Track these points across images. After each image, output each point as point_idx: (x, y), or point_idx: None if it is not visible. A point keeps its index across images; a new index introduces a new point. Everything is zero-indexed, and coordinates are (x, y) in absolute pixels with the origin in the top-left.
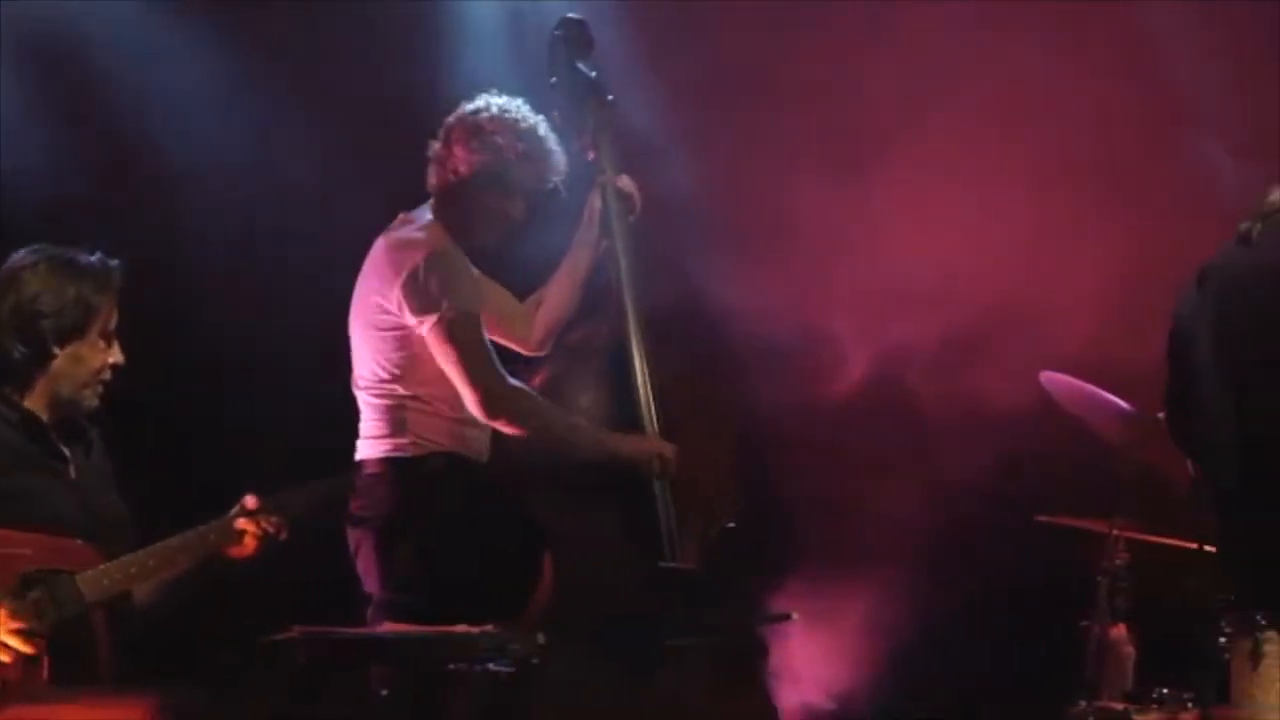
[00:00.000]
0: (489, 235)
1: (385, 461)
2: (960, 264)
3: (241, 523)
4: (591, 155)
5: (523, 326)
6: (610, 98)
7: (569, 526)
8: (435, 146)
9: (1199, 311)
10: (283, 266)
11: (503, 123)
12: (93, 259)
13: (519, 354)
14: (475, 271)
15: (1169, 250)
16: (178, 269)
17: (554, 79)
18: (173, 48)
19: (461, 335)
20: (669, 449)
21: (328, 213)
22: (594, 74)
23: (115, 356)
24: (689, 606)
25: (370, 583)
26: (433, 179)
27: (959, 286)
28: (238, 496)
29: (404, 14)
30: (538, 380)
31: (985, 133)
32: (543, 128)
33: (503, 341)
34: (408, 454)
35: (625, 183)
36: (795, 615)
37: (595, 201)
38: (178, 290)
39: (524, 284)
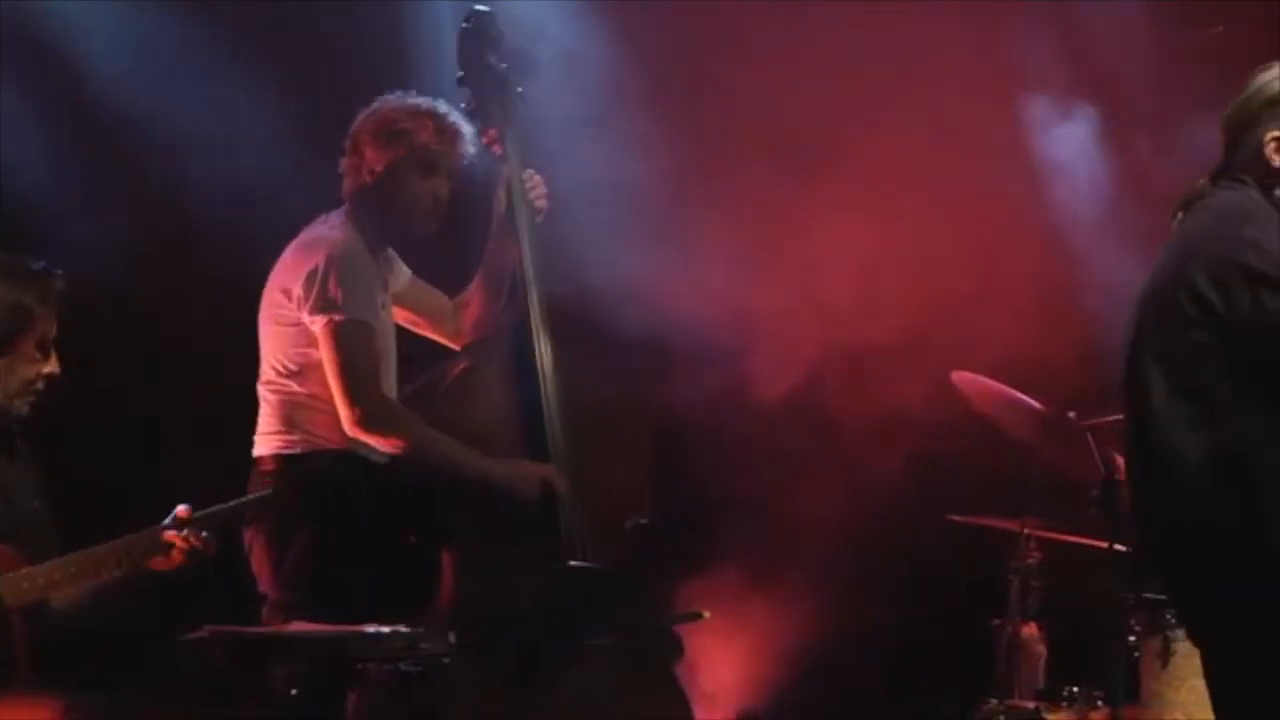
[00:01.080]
0: (424, 222)
1: (277, 459)
2: (877, 267)
3: (170, 535)
4: (498, 150)
5: (452, 324)
6: (520, 90)
7: (473, 525)
8: (344, 160)
9: (1129, 318)
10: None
11: (404, 109)
12: (37, 267)
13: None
14: (407, 276)
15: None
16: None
17: (461, 73)
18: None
19: (346, 343)
20: (552, 473)
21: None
22: (504, 66)
23: (51, 367)
24: (598, 605)
25: (263, 582)
26: (349, 187)
27: (876, 289)
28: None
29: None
30: (448, 377)
31: (908, 142)
32: (443, 105)
33: (435, 339)
34: (298, 451)
35: (531, 178)
36: (707, 614)
37: (501, 197)
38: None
39: (460, 284)
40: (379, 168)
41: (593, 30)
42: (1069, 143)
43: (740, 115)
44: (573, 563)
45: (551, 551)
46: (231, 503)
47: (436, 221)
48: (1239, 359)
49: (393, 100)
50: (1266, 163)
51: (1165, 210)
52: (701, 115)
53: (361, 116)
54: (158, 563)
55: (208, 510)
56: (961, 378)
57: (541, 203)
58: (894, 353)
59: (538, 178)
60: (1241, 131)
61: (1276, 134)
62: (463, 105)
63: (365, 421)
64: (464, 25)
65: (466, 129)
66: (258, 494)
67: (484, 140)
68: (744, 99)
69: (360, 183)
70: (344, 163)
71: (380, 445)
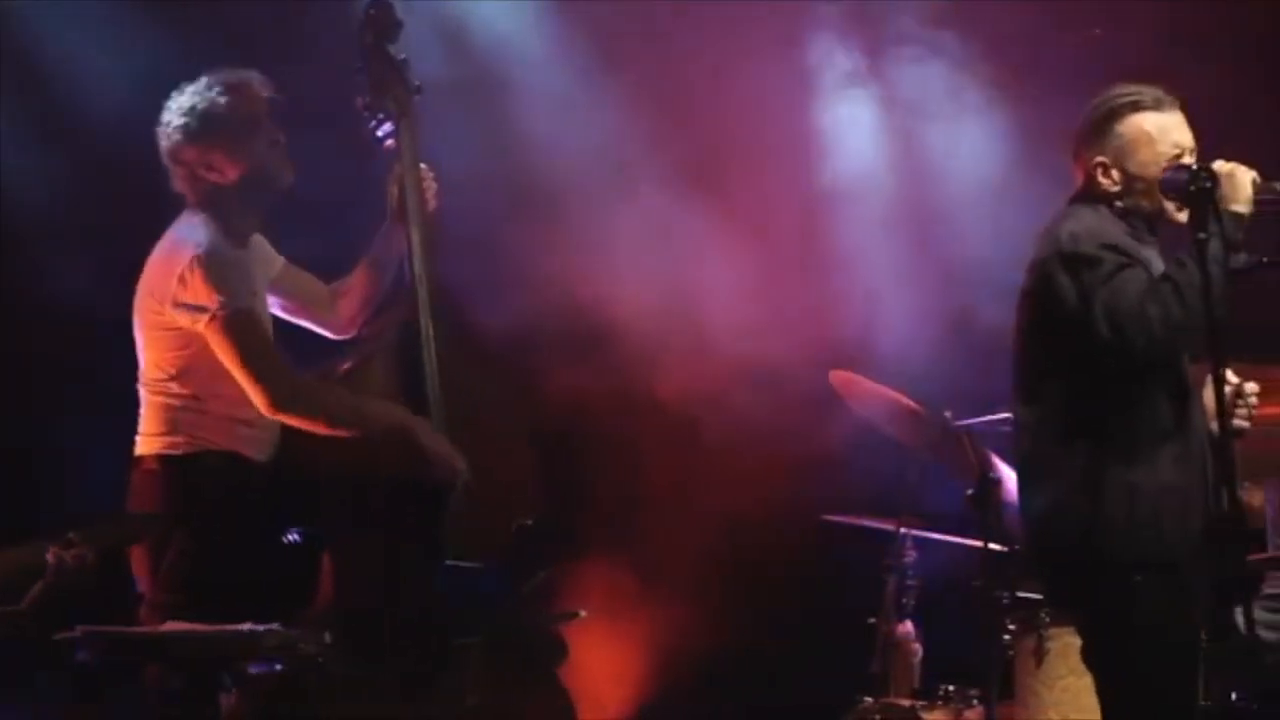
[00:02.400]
0: (286, 174)
1: (159, 459)
2: (756, 270)
3: (53, 551)
4: (391, 143)
5: (326, 310)
6: (417, 84)
7: (352, 525)
8: (173, 179)
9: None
10: None
11: (187, 101)
12: None
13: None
14: (279, 262)
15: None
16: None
17: (360, 64)
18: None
19: (238, 332)
20: (463, 462)
21: None
22: (401, 59)
23: None
24: (477, 604)
25: (143, 582)
26: (191, 195)
27: (756, 291)
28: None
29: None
30: (333, 375)
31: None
32: (211, 75)
33: (309, 325)
34: (181, 452)
35: (424, 174)
36: (584, 613)
37: (394, 190)
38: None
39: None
40: (220, 162)
41: (502, 33)
42: (945, 145)
43: (635, 123)
44: (452, 562)
45: (431, 551)
46: (112, 519)
47: (289, 169)
48: (1080, 354)
49: (172, 100)
50: (1098, 186)
51: (1041, 212)
52: (597, 120)
53: (163, 136)
54: (43, 578)
55: (94, 529)
56: (839, 378)
57: (433, 199)
58: (770, 353)
59: (430, 173)
60: (1079, 159)
61: (1099, 159)
62: (359, 99)
63: (279, 401)
64: (366, 14)
65: (249, 74)
66: (146, 515)
67: (379, 133)
68: (639, 110)
69: (203, 188)
70: (173, 181)
71: (300, 423)
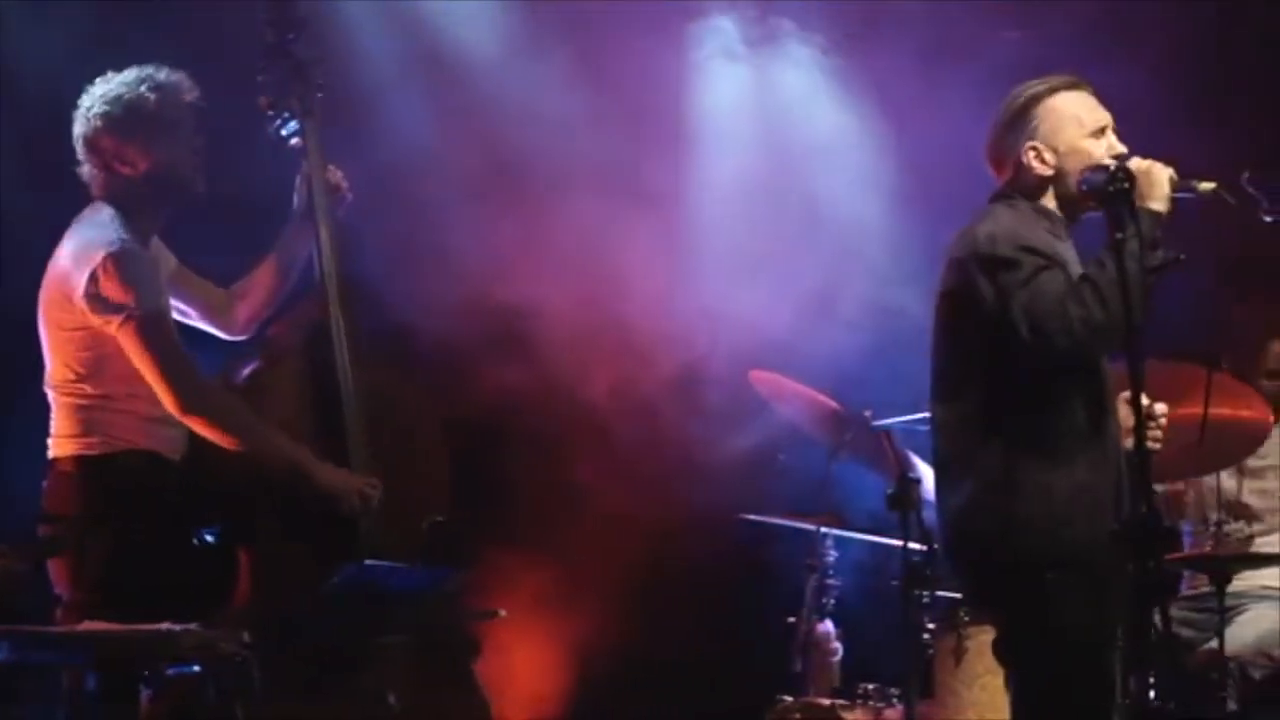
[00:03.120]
0: (196, 180)
1: (76, 460)
2: (672, 269)
3: None
4: (297, 142)
5: (224, 312)
6: (320, 84)
7: (269, 524)
8: (85, 169)
9: None
10: None
11: (113, 91)
12: None
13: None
14: (173, 263)
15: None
16: None
17: (263, 64)
18: None
19: (151, 334)
20: (371, 486)
21: None
22: (305, 59)
23: None
24: (394, 603)
25: (60, 583)
26: (98, 187)
27: (674, 290)
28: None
29: None
30: (242, 374)
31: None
32: (145, 70)
33: (206, 327)
34: (97, 453)
35: (332, 173)
36: (503, 612)
37: (301, 191)
38: None
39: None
40: (132, 155)
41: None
42: (867, 147)
43: (554, 120)
44: (369, 561)
45: (348, 550)
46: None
47: (202, 178)
48: (998, 354)
49: (97, 87)
50: (1031, 173)
51: (957, 215)
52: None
53: (81, 121)
54: None
55: (24, 542)
56: (760, 377)
57: (347, 196)
58: (691, 352)
59: (339, 173)
60: (1004, 155)
61: (1030, 144)
62: (263, 98)
63: (189, 406)
64: (268, 16)
65: (179, 78)
66: (72, 519)
67: (284, 134)
68: (559, 107)
69: (112, 180)
70: (83, 168)
71: (207, 432)
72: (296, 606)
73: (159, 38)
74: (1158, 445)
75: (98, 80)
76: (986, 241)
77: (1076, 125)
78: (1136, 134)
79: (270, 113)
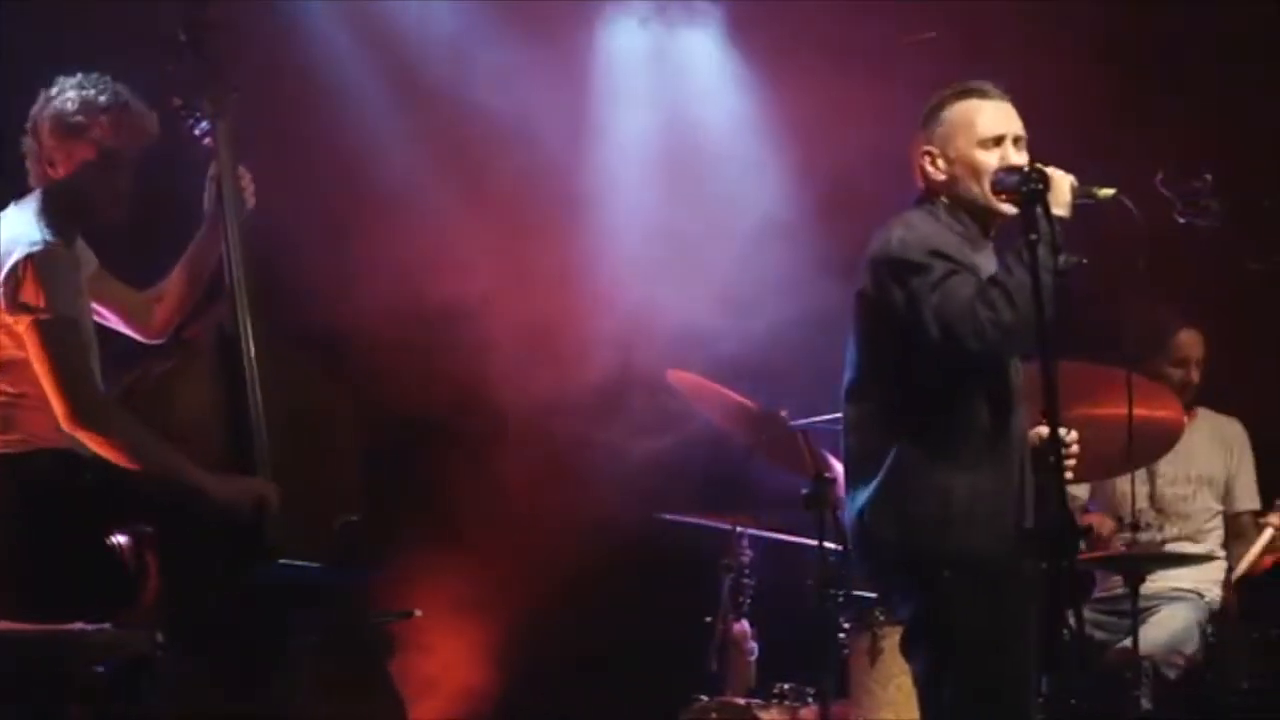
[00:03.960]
0: (109, 215)
1: None
2: (589, 269)
3: None
4: (209, 143)
5: (142, 316)
6: (233, 83)
7: (182, 524)
8: (28, 142)
9: None
10: None
11: (83, 102)
12: None
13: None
14: (94, 265)
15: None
16: None
17: (175, 62)
18: None
19: (56, 341)
20: (271, 491)
21: None
22: (218, 59)
23: None
24: (307, 604)
25: None
26: (33, 176)
27: (591, 287)
28: None
29: None
30: (154, 373)
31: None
32: (123, 93)
33: (125, 330)
34: (16, 451)
35: (243, 175)
36: (418, 612)
37: (211, 192)
38: None
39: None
40: (59, 159)
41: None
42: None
43: (476, 124)
44: (281, 561)
45: (258, 550)
46: None
47: (121, 211)
48: (906, 357)
49: (72, 87)
50: (928, 178)
51: (878, 212)
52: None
53: (41, 102)
54: None
55: None
56: (677, 376)
57: (251, 200)
58: (608, 352)
59: (248, 175)
60: (911, 159)
61: (926, 149)
62: (176, 100)
63: (80, 418)
64: (183, 14)
65: (147, 117)
66: None
67: (195, 133)
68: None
69: (44, 174)
70: (26, 144)
71: (95, 446)
72: (208, 606)
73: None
74: (1070, 475)
75: (82, 75)
76: (898, 245)
77: (968, 134)
78: (1060, 134)
79: (182, 112)
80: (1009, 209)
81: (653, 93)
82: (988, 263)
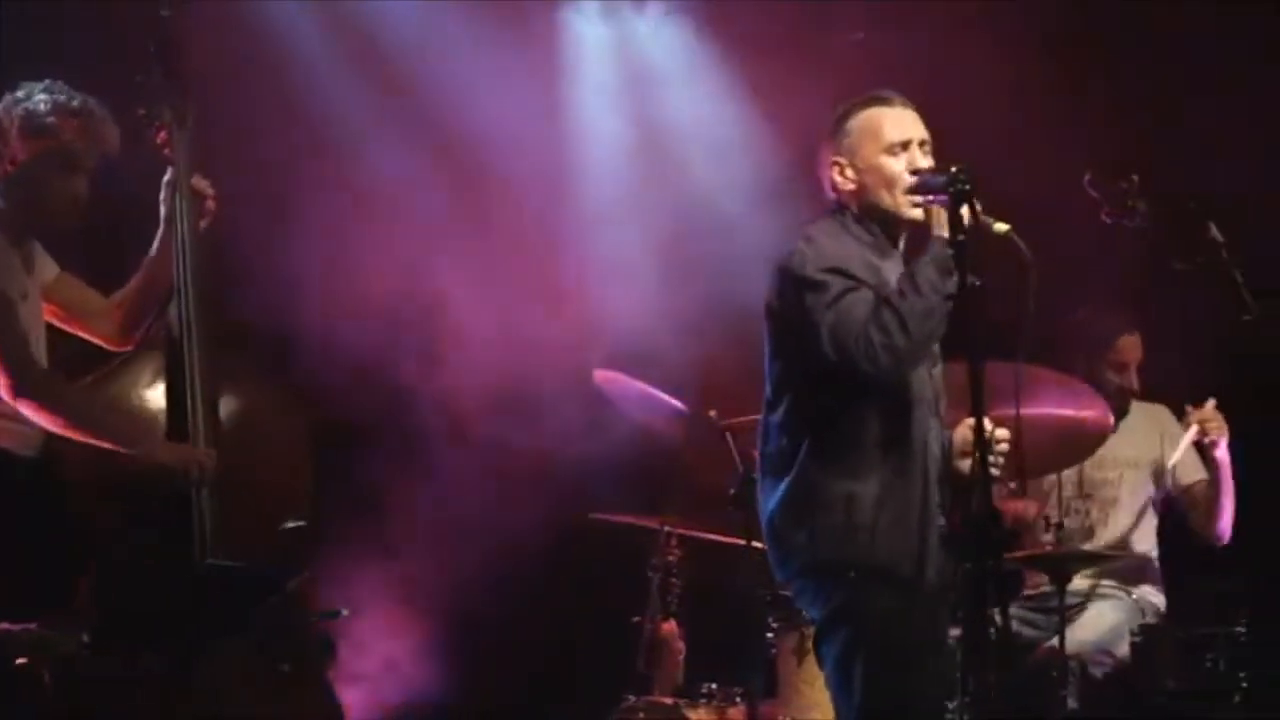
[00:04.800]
0: (63, 219)
1: None
2: (525, 268)
3: None
4: (168, 152)
5: (104, 322)
6: (193, 92)
7: (111, 523)
8: None
9: None
10: None
11: (55, 105)
12: None
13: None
14: (54, 271)
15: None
16: None
17: (143, 72)
18: None
19: None
20: (208, 457)
21: None
22: (180, 68)
23: None
24: (238, 604)
25: None
26: None
27: (522, 287)
28: None
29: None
30: (99, 372)
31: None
32: (91, 102)
33: (85, 336)
34: None
35: (199, 182)
36: (345, 612)
37: (166, 197)
38: None
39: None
40: (22, 158)
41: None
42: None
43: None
44: (211, 561)
45: (192, 550)
46: None
47: (76, 218)
48: (806, 370)
49: (40, 90)
50: (837, 188)
51: (807, 213)
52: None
53: (8, 103)
54: None
55: None
56: (604, 376)
57: (210, 204)
58: (537, 352)
59: (205, 181)
60: (821, 170)
61: (834, 159)
62: (140, 110)
63: (23, 389)
64: (156, 29)
65: (112, 129)
66: None
67: (157, 140)
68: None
69: (5, 172)
70: None
71: (39, 417)
72: (138, 606)
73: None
74: (996, 472)
75: (52, 81)
76: (798, 261)
77: (874, 141)
78: (990, 133)
79: (145, 120)
80: (917, 214)
81: (589, 90)
82: (895, 272)
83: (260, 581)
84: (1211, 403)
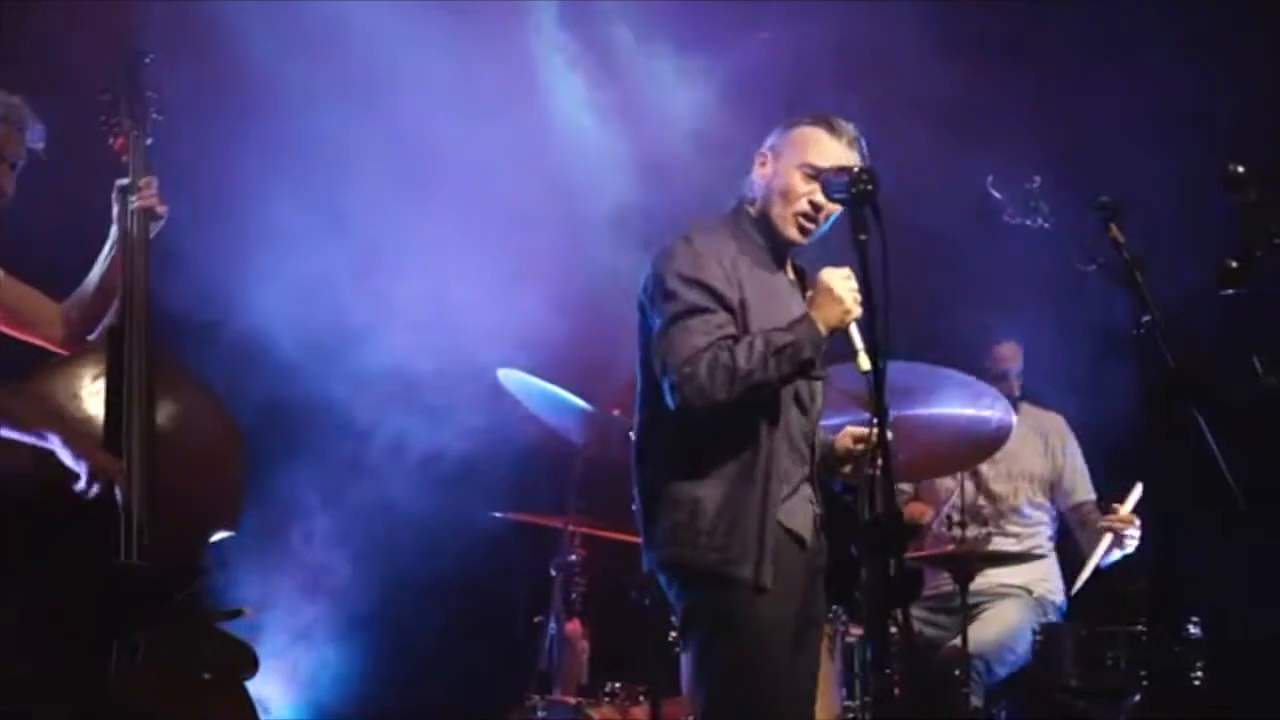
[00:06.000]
0: None
1: None
2: (427, 267)
3: None
4: (126, 158)
5: (52, 327)
6: (150, 94)
7: (16, 522)
8: None
9: None
10: None
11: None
12: None
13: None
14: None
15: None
16: None
17: (106, 81)
18: None
19: None
20: (115, 467)
21: None
22: (139, 73)
23: None
24: (147, 605)
25: None
26: None
27: (423, 287)
28: None
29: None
30: (30, 376)
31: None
32: (17, 99)
33: (32, 339)
34: None
35: (149, 184)
36: (248, 611)
37: (117, 203)
38: None
39: None
40: None
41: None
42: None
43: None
44: (120, 561)
45: (101, 551)
46: None
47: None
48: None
49: None
50: (753, 180)
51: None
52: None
53: None
54: None
55: None
56: (508, 375)
57: (160, 209)
58: (440, 351)
59: (154, 183)
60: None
61: (763, 150)
62: (101, 115)
63: None
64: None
65: (36, 127)
66: None
67: (115, 147)
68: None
69: None
70: None
71: None
72: (44, 605)
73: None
74: (875, 472)
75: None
76: (664, 262)
77: (799, 155)
78: (893, 135)
79: (105, 126)
80: (794, 235)
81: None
82: (776, 286)
83: (164, 583)
84: (1128, 507)
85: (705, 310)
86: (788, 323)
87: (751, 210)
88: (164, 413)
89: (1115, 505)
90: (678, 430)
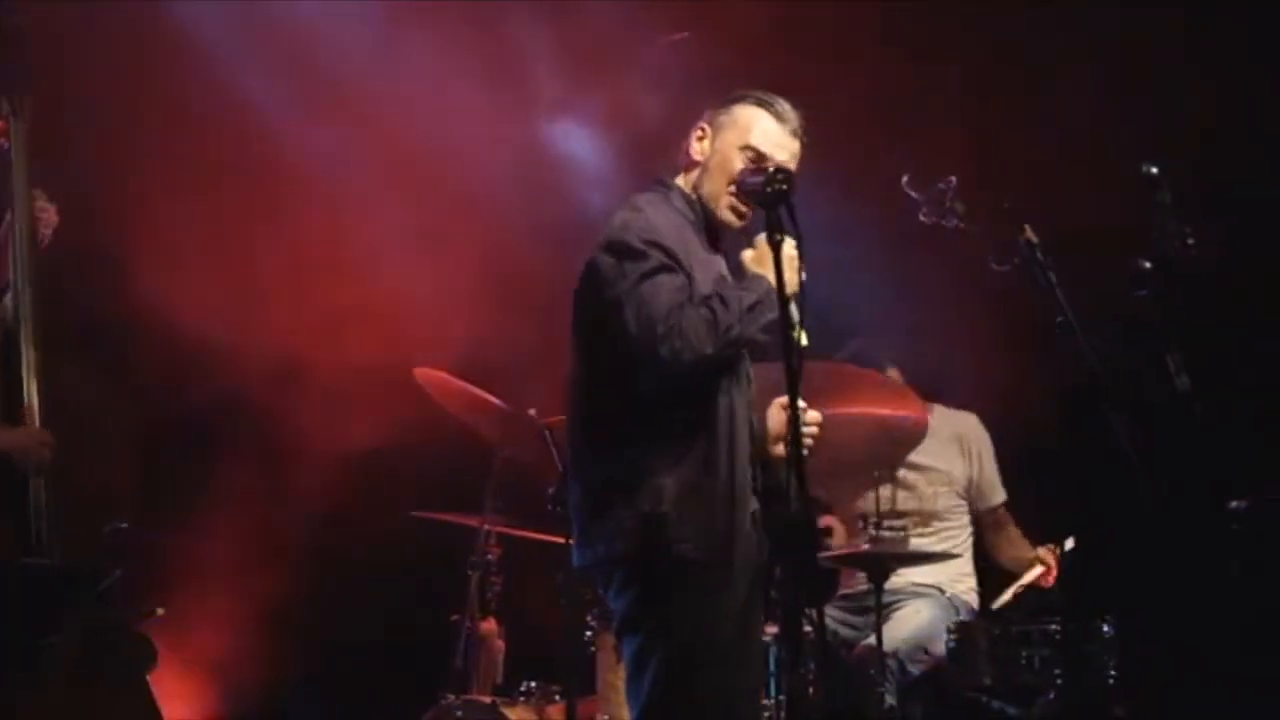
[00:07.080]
0: None
1: None
2: (340, 265)
3: None
4: (5, 143)
5: None
6: (35, 88)
7: None
8: None
9: None
10: None
11: None
12: None
13: None
14: None
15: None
16: None
17: None
18: None
19: None
20: (44, 443)
21: None
22: (25, 63)
23: None
24: (53, 604)
25: None
26: None
27: (338, 285)
28: None
29: None
30: None
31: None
32: None
33: None
34: None
35: (40, 203)
36: (161, 611)
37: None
38: None
39: None
40: None
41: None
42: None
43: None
44: (27, 560)
45: (26, 546)
46: None
47: None
48: (611, 351)
49: None
50: (689, 154)
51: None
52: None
53: None
54: None
55: None
56: (424, 374)
57: (52, 217)
58: (355, 349)
59: (45, 197)
60: (691, 132)
61: (703, 124)
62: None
63: None
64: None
65: None
66: None
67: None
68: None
69: None
70: None
71: None
72: None
73: None
74: (806, 452)
75: None
76: (620, 227)
77: (739, 134)
78: (811, 133)
79: None
80: (730, 219)
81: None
82: (714, 266)
83: (74, 581)
84: (1058, 552)
85: (671, 269)
86: (743, 282)
87: (683, 183)
88: (57, 403)
89: (1052, 547)
90: (635, 417)
